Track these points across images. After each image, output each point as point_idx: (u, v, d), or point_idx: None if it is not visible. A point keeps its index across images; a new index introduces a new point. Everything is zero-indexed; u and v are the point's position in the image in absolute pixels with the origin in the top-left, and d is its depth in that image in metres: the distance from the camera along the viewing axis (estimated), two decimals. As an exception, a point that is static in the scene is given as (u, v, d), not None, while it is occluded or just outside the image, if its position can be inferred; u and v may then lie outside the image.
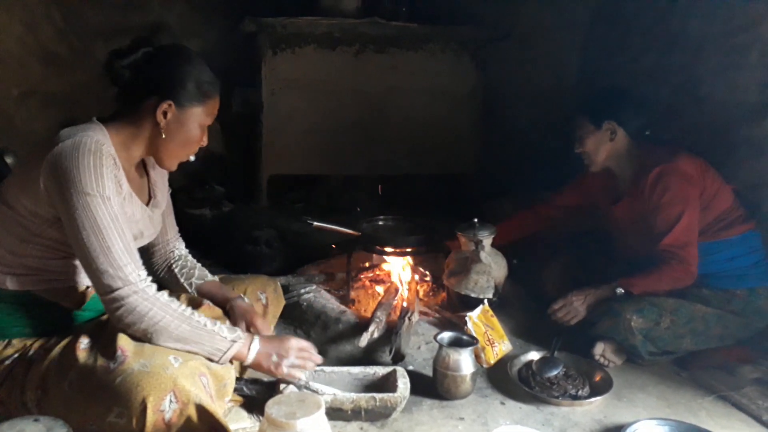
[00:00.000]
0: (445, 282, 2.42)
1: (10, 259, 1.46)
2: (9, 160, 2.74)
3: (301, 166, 3.64)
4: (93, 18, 3.49)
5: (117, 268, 1.37)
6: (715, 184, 2.21)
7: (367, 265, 2.71)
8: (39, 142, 1.49)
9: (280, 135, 3.50)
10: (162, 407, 1.30)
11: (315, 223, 2.37)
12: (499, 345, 2.17)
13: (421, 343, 2.20)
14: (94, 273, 1.38)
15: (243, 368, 1.79)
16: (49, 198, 1.39)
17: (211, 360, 1.47)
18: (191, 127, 1.54)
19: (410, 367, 2.08)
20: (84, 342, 1.43)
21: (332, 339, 2.23)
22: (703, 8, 2.74)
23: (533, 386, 1.99)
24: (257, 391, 1.79)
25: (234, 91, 3.50)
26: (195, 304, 1.66)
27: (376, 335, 2.14)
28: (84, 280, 1.55)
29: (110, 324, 1.51)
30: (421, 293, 2.56)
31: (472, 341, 1.99)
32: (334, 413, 1.71)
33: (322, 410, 1.32)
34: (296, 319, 2.35)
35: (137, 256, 1.44)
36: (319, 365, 1.71)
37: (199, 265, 1.87)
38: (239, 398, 1.80)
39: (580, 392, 1.97)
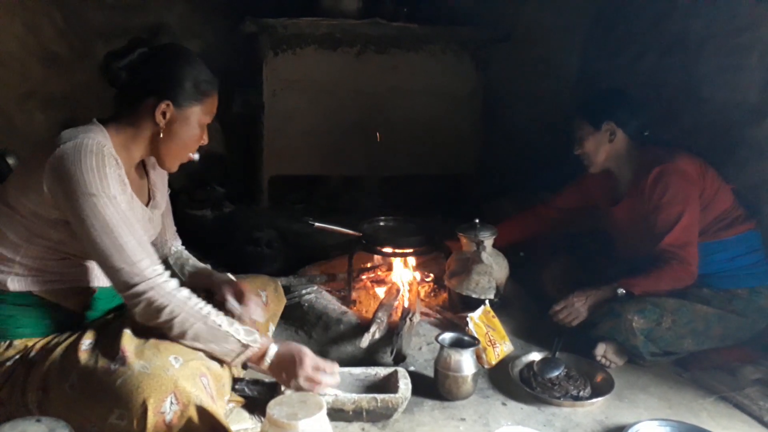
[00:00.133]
0: (447, 283, 2.42)
1: (11, 260, 1.46)
2: (10, 161, 2.74)
3: (302, 167, 3.64)
4: (93, 19, 3.49)
5: (132, 265, 1.38)
6: (714, 183, 2.21)
7: (368, 265, 2.71)
8: (39, 142, 1.49)
9: (281, 136, 3.50)
10: (163, 409, 1.30)
11: (316, 224, 2.37)
12: (500, 346, 2.17)
13: (423, 344, 2.20)
14: (111, 272, 1.40)
15: (244, 368, 1.79)
16: (55, 201, 1.39)
17: (224, 361, 1.48)
18: (190, 126, 1.54)
19: (411, 368, 2.08)
20: (86, 343, 1.44)
21: (333, 340, 2.23)
22: (703, 9, 2.74)
23: (535, 387, 1.99)
24: (259, 392, 1.79)
25: (235, 91, 3.50)
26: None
27: (377, 336, 2.14)
28: (85, 281, 1.55)
29: (113, 324, 1.51)
30: (422, 294, 2.56)
31: (473, 342, 1.99)
32: (336, 414, 1.71)
33: (324, 411, 1.32)
34: (297, 319, 2.35)
35: (152, 250, 1.45)
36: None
37: (192, 257, 1.88)
38: (240, 399, 1.80)
39: (581, 393, 1.97)
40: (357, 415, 1.75)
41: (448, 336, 2.01)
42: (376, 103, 3.57)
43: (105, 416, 1.30)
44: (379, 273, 2.67)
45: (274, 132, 3.50)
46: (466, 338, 2.01)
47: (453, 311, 2.38)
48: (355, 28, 3.43)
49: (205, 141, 1.62)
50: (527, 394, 1.97)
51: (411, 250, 2.47)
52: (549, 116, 3.73)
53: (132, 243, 1.39)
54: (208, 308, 1.46)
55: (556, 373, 2.02)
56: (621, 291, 2.18)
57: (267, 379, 1.81)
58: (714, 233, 2.20)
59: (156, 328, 1.43)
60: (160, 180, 1.74)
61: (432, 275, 2.67)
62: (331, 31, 3.41)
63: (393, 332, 2.13)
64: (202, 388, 1.38)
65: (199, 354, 1.45)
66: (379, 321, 2.16)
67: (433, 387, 1.96)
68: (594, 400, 1.93)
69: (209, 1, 3.73)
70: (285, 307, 2.07)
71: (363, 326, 2.19)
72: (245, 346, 1.47)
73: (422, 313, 2.37)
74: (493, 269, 2.31)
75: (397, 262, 2.54)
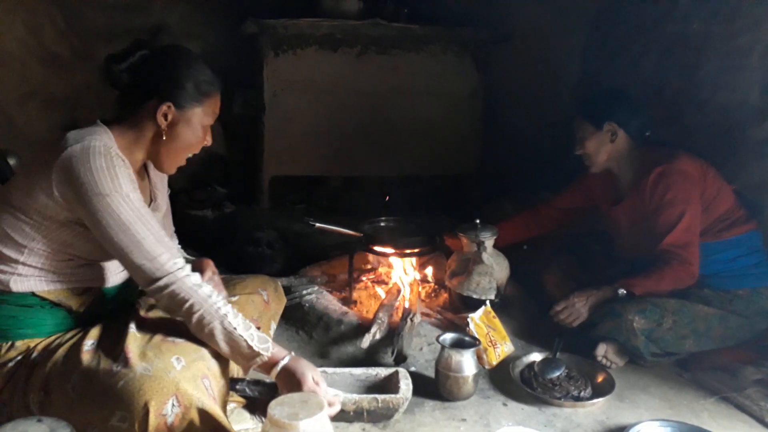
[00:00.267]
0: (447, 283, 2.42)
1: (14, 261, 1.46)
2: (11, 161, 2.74)
3: (302, 167, 3.65)
4: (94, 19, 3.50)
5: (152, 260, 1.40)
6: (716, 184, 2.21)
7: (368, 267, 2.71)
8: (44, 144, 1.49)
9: (282, 136, 3.51)
10: (164, 411, 1.30)
11: (317, 224, 2.37)
12: (501, 346, 2.17)
13: (423, 345, 2.20)
14: (132, 268, 1.42)
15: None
16: (67, 204, 1.40)
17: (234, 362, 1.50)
18: (192, 127, 1.54)
19: (412, 369, 2.08)
20: (88, 343, 1.44)
21: (334, 340, 2.23)
22: (704, 10, 2.74)
23: (535, 387, 1.99)
24: (260, 392, 1.79)
25: (235, 92, 3.50)
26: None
27: (378, 336, 2.14)
28: (88, 282, 1.55)
29: (117, 321, 1.51)
30: (423, 294, 2.56)
31: (474, 342, 1.99)
32: (337, 414, 1.70)
33: (325, 411, 1.32)
34: (298, 320, 2.35)
35: (171, 244, 1.46)
36: (320, 368, 1.71)
37: (188, 257, 1.88)
38: (241, 399, 1.80)
39: (582, 393, 1.97)
40: (358, 415, 1.75)
41: (448, 336, 2.01)
42: (377, 103, 3.57)
43: (106, 418, 1.30)
44: (380, 273, 2.67)
45: (275, 132, 3.50)
46: (466, 339, 2.01)
47: (454, 312, 2.38)
48: (356, 29, 3.43)
49: (208, 142, 1.62)
50: (528, 394, 1.97)
51: (412, 251, 2.47)
52: (549, 117, 3.72)
53: (150, 239, 1.40)
54: (227, 308, 1.46)
55: (557, 373, 2.02)
56: (622, 291, 2.18)
57: (268, 379, 1.80)
58: (715, 233, 2.20)
59: (162, 322, 1.45)
60: (160, 181, 1.74)
61: (433, 276, 2.67)
62: (331, 31, 3.42)
63: (394, 333, 2.13)
64: (204, 390, 1.38)
65: (201, 353, 1.45)
66: (379, 321, 2.17)
67: (434, 387, 1.96)
68: (595, 400, 1.94)
69: (210, 1, 3.73)
70: (286, 308, 2.07)
71: (364, 327, 2.19)
72: (257, 353, 1.47)
73: (423, 314, 2.37)
74: (493, 270, 2.31)
75: (397, 262, 2.54)
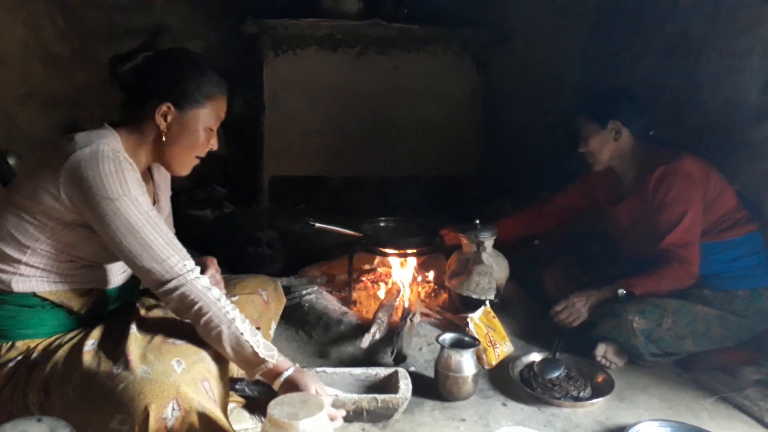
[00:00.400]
0: (447, 283, 2.42)
1: (17, 261, 1.45)
2: (11, 161, 2.74)
3: (302, 168, 3.64)
4: (95, 19, 3.49)
5: (161, 262, 1.40)
6: (718, 185, 2.21)
7: (368, 267, 2.71)
8: (48, 144, 1.49)
9: (282, 136, 3.51)
10: (165, 415, 1.30)
11: (317, 225, 2.37)
12: (500, 346, 2.17)
13: (423, 345, 2.20)
14: (141, 272, 1.42)
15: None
16: (75, 207, 1.40)
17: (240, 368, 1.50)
18: (193, 129, 1.53)
19: (412, 369, 2.08)
20: (89, 343, 1.44)
21: (334, 340, 2.23)
22: (704, 10, 2.74)
23: (535, 387, 1.99)
24: (259, 392, 1.79)
25: (235, 92, 3.50)
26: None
27: (377, 336, 2.14)
28: (90, 283, 1.55)
29: (119, 321, 1.51)
30: (422, 294, 2.56)
31: (473, 342, 1.99)
32: (336, 414, 1.71)
33: (325, 411, 1.32)
34: (298, 320, 2.35)
35: (180, 245, 1.46)
36: (320, 368, 1.71)
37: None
38: (241, 399, 1.80)
39: (581, 393, 1.97)
40: (357, 415, 1.75)
41: (448, 336, 2.01)
42: (377, 103, 3.57)
43: (107, 421, 1.31)
44: (380, 273, 2.67)
45: (275, 132, 3.50)
46: (466, 339, 2.01)
47: (453, 312, 2.38)
48: (356, 29, 3.43)
49: (213, 146, 1.61)
50: (527, 394, 1.97)
51: (411, 251, 2.47)
52: (549, 117, 3.73)
53: (159, 241, 1.40)
54: (234, 313, 1.46)
55: (557, 373, 2.02)
56: (622, 291, 2.18)
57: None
58: (716, 234, 2.20)
59: (163, 322, 1.46)
60: (164, 183, 1.74)
61: (432, 276, 2.67)
62: (331, 31, 3.41)
63: (393, 333, 2.13)
64: (204, 393, 1.38)
65: (201, 355, 1.45)
66: (379, 321, 2.17)
67: (434, 387, 1.96)
68: (594, 400, 1.94)
69: (210, 1, 3.73)
70: (285, 308, 2.07)
71: (363, 327, 2.19)
72: (261, 360, 1.46)
73: (422, 314, 2.37)
74: (493, 270, 2.31)
75: (397, 262, 2.54)
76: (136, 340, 1.43)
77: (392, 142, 3.63)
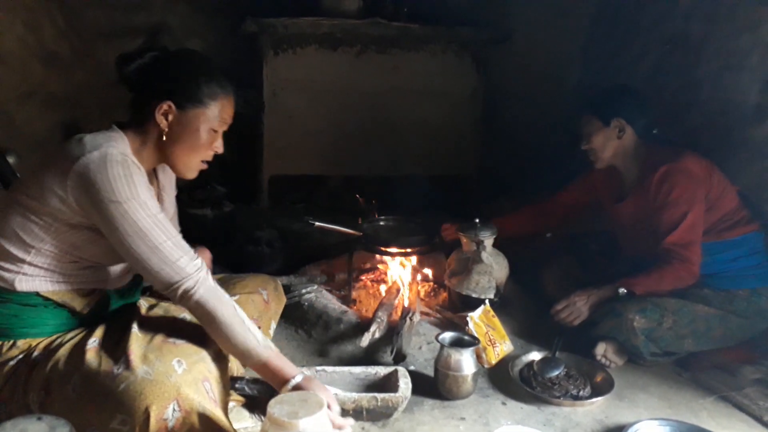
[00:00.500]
0: (447, 282, 2.42)
1: (21, 261, 1.45)
2: (11, 160, 2.73)
3: (302, 167, 3.64)
4: (94, 18, 3.49)
5: (171, 264, 1.40)
6: (721, 184, 2.21)
7: (368, 266, 2.72)
8: (58, 146, 1.48)
9: (282, 135, 3.51)
10: (165, 416, 1.30)
11: (316, 224, 2.37)
12: (500, 345, 2.17)
13: (423, 344, 2.20)
14: (151, 274, 1.41)
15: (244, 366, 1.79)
16: (82, 210, 1.40)
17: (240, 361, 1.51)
18: (194, 129, 1.52)
19: (411, 367, 2.08)
20: (91, 341, 1.44)
21: (334, 339, 2.23)
22: (703, 11, 2.74)
23: (535, 386, 1.99)
24: (259, 391, 1.78)
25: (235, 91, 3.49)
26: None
27: (377, 335, 2.14)
28: (93, 284, 1.55)
29: (121, 319, 1.52)
30: (422, 293, 2.56)
31: (473, 341, 2.00)
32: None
33: (325, 410, 1.32)
34: (298, 319, 2.35)
35: (187, 246, 1.46)
36: (319, 367, 1.71)
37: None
38: (241, 398, 1.80)
39: (581, 392, 1.97)
40: (357, 414, 1.75)
41: (448, 335, 2.01)
42: (377, 103, 3.57)
43: (107, 421, 1.30)
44: (380, 272, 2.67)
45: (275, 131, 3.50)
46: (466, 338, 2.02)
47: (453, 311, 2.38)
48: (356, 28, 3.43)
49: (218, 149, 1.60)
50: (527, 393, 1.97)
51: (411, 250, 2.47)
52: (549, 117, 3.72)
53: (168, 243, 1.40)
54: (241, 312, 1.48)
55: (556, 372, 2.02)
56: (622, 290, 2.18)
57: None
58: (718, 233, 2.20)
59: (164, 321, 1.46)
60: (169, 184, 1.74)
61: (432, 275, 2.67)
62: (331, 30, 3.41)
63: (393, 331, 2.13)
64: (205, 394, 1.38)
65: (202, 355, 1.45)
66: (379, 320, 2.17)
67: (433, 386, 1.96)
68: (594, 399, 1.94)
69: (210, 1, 3.73)
70: (285, 307, 2.07)
71: (363, 325, 2.20)
72: (265, 346, 1.47)
73: (422, 313, 2.37)
74: (493, 269, 2.31)
75: (397, 261, 2.55)
76: (137, 339, 1.43)
77: (392, 142, 3.63)
